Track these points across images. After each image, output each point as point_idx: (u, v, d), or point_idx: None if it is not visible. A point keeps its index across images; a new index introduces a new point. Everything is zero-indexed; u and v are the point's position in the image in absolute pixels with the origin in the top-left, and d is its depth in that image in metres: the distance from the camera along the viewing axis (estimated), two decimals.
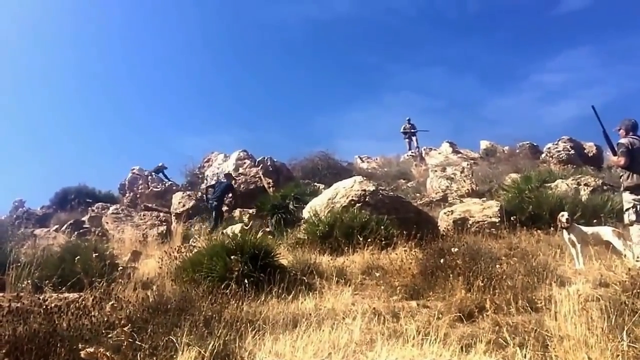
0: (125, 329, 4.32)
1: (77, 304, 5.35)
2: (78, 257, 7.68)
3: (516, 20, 63.90)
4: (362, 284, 7.22)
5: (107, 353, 3.92)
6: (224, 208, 15.85)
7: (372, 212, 10.34)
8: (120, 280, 7.51)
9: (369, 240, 8.79)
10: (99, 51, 65.82)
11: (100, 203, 18.95)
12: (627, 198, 6.88)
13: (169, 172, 22.31)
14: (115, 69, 67.29)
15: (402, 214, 10.64)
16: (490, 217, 10.84)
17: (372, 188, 11.14)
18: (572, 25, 60.99)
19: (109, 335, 4.53)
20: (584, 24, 59.97)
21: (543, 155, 19.80)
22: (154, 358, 4.35)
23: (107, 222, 16.26)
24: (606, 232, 7.78)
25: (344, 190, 11.27)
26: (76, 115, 65.10)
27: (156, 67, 69.45)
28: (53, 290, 6.96)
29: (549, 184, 13.12)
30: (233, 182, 16.44)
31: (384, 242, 8.87)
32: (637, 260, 6.57)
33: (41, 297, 5.66)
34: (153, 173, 21.80)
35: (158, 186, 20.49)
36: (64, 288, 7.03)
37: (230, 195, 15.98)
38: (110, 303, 4.52)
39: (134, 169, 21.65)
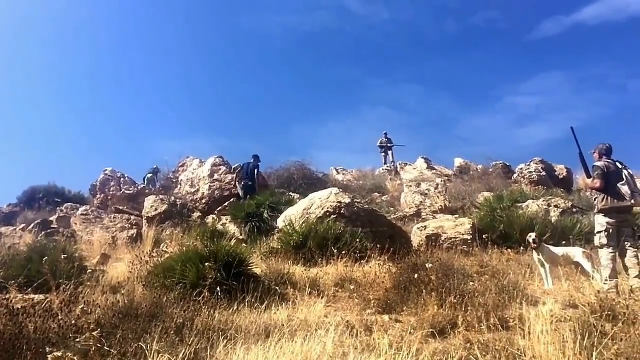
0: (94, 333, 4.23)
1: (43, 306, 5.23)
2: (46, 257, 7.51)
3: (493, 43, 65.22)
4: (335, 296, 7.21)
5: (75, 358, 3.83)
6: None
7: (347, 225, 10.36)
8: (88, 283, 7.39)
9: (343, 252, 8.81)
10: (78, 46, 64.84)
11: (69, 203, 18.59)
12: (601, 221, 7.00)
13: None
14: (92, 67, 66.21)
15: (377, 228, 10.67)
16: (463, 235, 10.97)
17: (347, 200, 11.17)
18: (546, 51, 62.37)
19: (77, 340, 4.41)
20: (558, 50, 61.45)
21: (515, 176, 20.10)
22: None
23: (75, 223, 15.94)
24: (576, 253, 7.95)
25: (320, 202, 11.27)
26: (48, 111, 63.83)
27: (134, 69, 68.66)
28: (18, 291, 6.79)
29: (520, 204, 13.35)
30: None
31: (358, 255, 8.90)
32: (604, 283, 6.71)
33: (6, 298, 5.52)
34: (149, 175, 21.68)
35: (130, 189, 20.19)
36: (30, 289, 6.88)
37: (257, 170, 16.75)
38: (80, 307, 4.42)
39: (106, 170, 21.31)
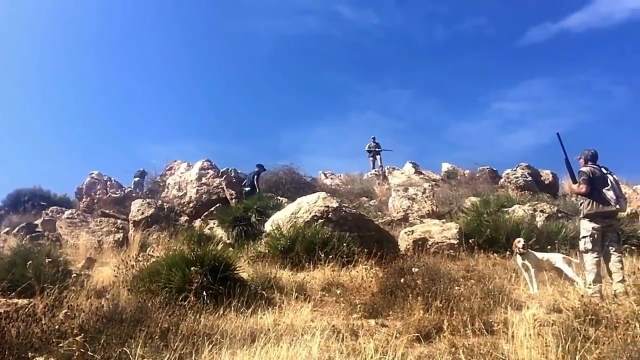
0: (77, 338, 4.19)
1: (27, 311, 5.17)
2: (30, 261, 7.42)
3: (481, 49, 65.91)
4: (321, 301, 7.21)
5: None
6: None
7: (335, 229, 10.36)
8: (73, 287, 7.32)
9: (330, 256, 8.81)
10: (64, 49, 64.34)
11: (55, 207, 18.41)
12: (586, 226, 7.07)
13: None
14: (79, 69, 65.93)
15: (364, 232, 10.69)
16: (449, 239, 11.02)
17: (335, 205, 11.18)
18: (533, 57, 63.21)
19: (60, 345, 4.37)
20: (544, 57, 62.26)
21: (502, 181, 20.23)
22: None
23: (61, 227, 15.77)
24: (557, 259, 8.02)
25: (307, 206, 11.27)
26: (34, 113, 63.24)
27: (121, 72, 68.34)
28: (1, 295, 6.73)
29: (506, 209, 13.44)
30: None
31: (345, 259, 8.90)
32: (588, 287, 6.78)
33: None
34: (136, 179, 21.58)
35: (117, 192, 20.05)
36: (13, 293, 6.81)
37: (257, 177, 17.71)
38: (63, 311, 4.37)
39: (92, 173, 21.16)
